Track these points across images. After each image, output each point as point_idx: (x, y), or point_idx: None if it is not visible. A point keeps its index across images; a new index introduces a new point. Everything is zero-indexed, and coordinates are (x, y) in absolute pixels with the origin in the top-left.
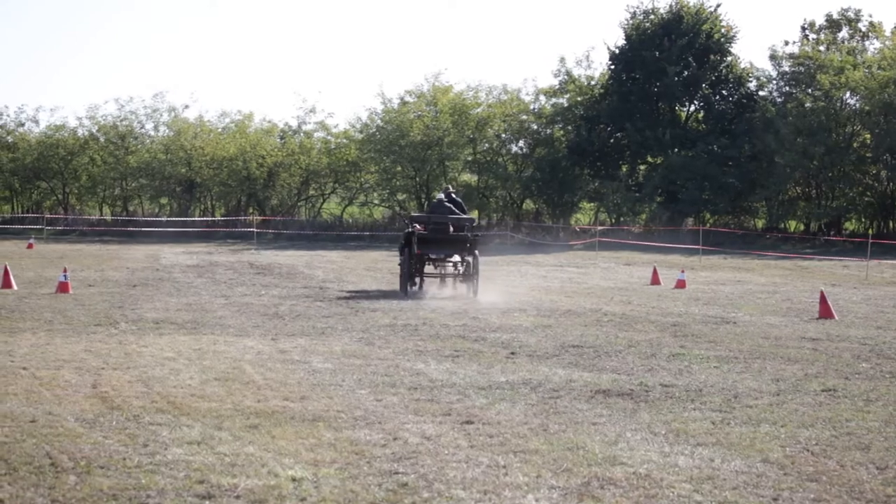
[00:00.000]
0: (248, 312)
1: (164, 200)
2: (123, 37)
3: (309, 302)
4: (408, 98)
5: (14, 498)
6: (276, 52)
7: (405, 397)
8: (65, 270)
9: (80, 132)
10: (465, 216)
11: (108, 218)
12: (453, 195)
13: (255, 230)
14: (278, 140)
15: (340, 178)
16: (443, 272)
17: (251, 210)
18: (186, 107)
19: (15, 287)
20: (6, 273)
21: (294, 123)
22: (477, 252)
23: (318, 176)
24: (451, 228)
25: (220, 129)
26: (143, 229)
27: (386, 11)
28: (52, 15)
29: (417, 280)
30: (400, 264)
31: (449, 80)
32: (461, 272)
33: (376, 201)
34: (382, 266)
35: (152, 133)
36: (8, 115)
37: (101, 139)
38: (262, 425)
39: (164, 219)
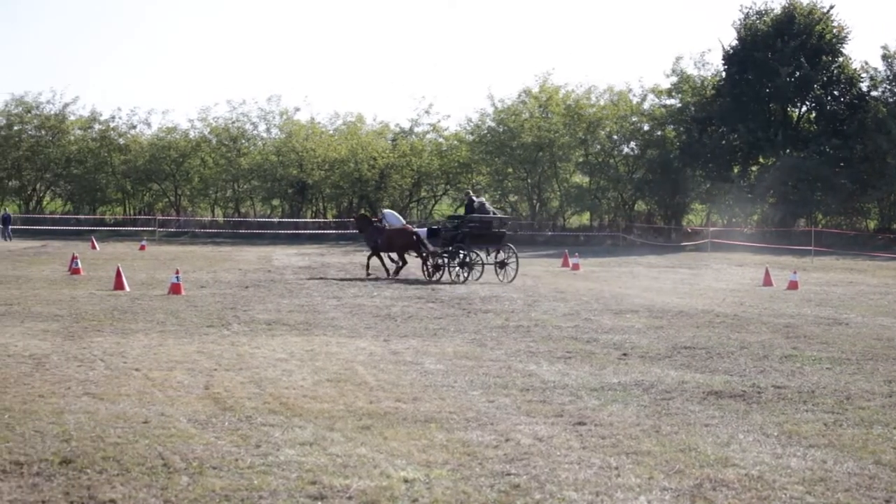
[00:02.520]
0: (361, 314)
1: (275, 202)
2: (236, 39)
3: (421, 303)
4: (519, 99)
5: (127, 498)
6: (387, 54)
7: (517, 398)
8: (177, 272)
9: (191, 134)
10: (506, 216)
11: (220, 219)
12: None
13: None
14: (389, 142)
15: (452, 180)
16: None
17: (363, 211)
18: (298, 109)
19: (127, 289)
20: (118, 275)
21: (406, 125)
22: (511, 245)
23: (429, 177)
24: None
25: (331, 131)
26: (255, 231)
27: (496, 12)
28: (165, 18)
29: (444, 270)
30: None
31: (558, 82)
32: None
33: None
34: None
35: (264, 135)
36: (120, 118)
37: (213, 141)
38: (375, 426)
39: (275, 220)
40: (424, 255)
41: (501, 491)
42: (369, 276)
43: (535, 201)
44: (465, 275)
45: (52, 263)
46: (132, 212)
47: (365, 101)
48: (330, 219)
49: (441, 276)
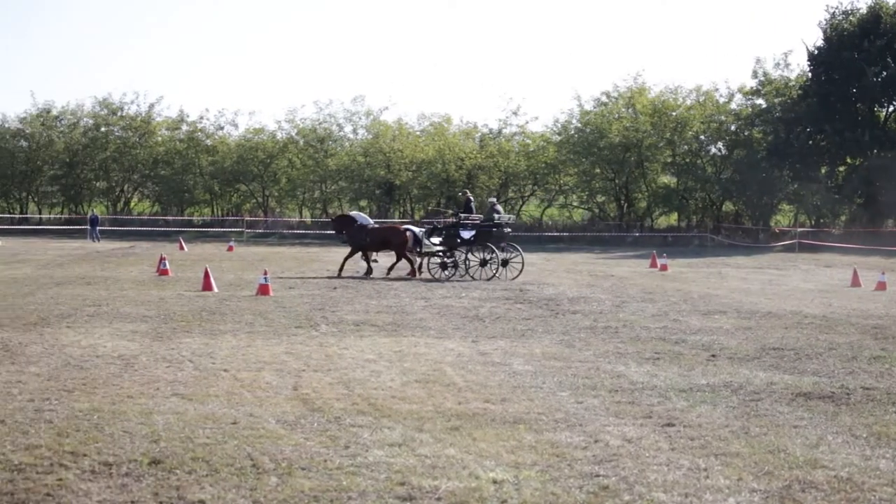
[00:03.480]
0: (449, 315)
1: (363, 203)
2: (322, 40)
3: (509, 304)
4: (605, 100)
5: (216, 499)
6: (474, 54)
7: (606, 399)
8: (265, 273)
9: (279, 135)
10: (509, 217)
11: (308, 220)
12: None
13: None
14: (477, 143)
15: (539, 181)
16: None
17: (450, 212)
18: (385, 109)
19: (215, 289)
20: (207, 276)
21: (494, 126)
22: (515, 245)
23: (517, 178)
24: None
25: (418, 132)
26: None
27: (584, 12)
28: (251, 20)
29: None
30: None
31: (647, 82)
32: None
33: (575, 203)
34: (583, 268)
35: (351, 136)
36: (207, 119)
37: (300, 142)
38: (463, 427)
39: None
40: (422, 253)
41: (590, 492)
42: (368, 275)
43: (622, 202)
44: (494, 272)
45: (141, 265)
46: (220, 213)
47: (452, 102)
48: (417, 219)
49: (453, 275)
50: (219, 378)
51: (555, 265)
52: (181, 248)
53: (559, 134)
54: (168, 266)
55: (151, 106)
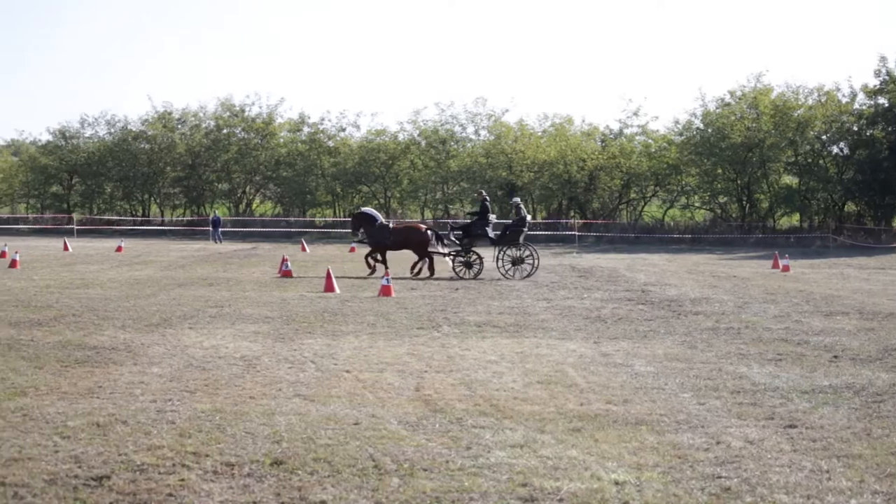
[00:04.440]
0: (571, 316)
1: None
2: (445, 41)
3: (631, 305)
4: (728, 100)
5: (338, 500)
6: (595, 54)
7: (728, 401)
8: (386, 274)
9: (400, 136)
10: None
11: (430, 221)
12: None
13: (576, 233)
14: (598, 143)
15: (661, 181)
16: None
17: (572, 213)
18: (506, 111)
19: (338, 290)
20: (329, 277)
21: (615, 126)
22: (530, 244)
23: (638, 179)
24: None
25: (539, 133)
26: None
27: (706, 13)
28: (371, 22)
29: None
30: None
31: (770, 82)
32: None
33: (697, 204)
34: (705, 269)
35: (472, 137)
36: (329, 121)
37: (422, 143)
38: (585, 428)
39: None
40: (444, 253)
41: (712, 494)
42: (372, 275)
43: (744, 202)
44: (530, 269)
45: (263, 266)
46: (342, 214)
47: (573, 103)
48: (539, 220)
49: (478, 273)
50: (341, 379)
51: (677, 266)
52: (303, 249)
53: (680, 134)
54: (290, 267)
55: (273, 108)
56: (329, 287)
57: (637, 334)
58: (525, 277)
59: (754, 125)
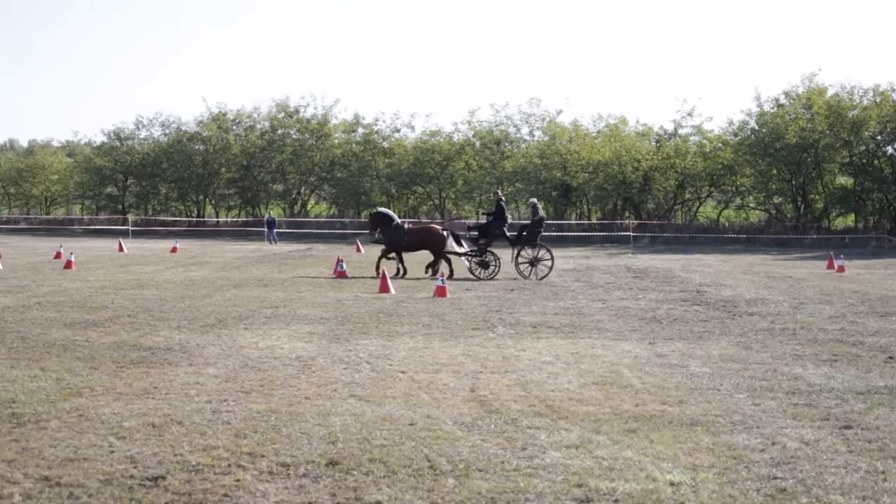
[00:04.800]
0: (626, 316)
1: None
2: (499, 42)
3: (686, 306)
4: (783, 100)
5: (393, 500)
6: (650, 55)
7: (783, 402)
8: (441, 275)
9: (455, 137)
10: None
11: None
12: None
13: (631, 234)
14: (653, 144)
15: (716, 182)
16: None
17: (627, 214)
18: (560, 111)
19: (393, 291)
20: (384, 277)
21: (669, 127)
22: (545, 245)
23: (693, 179)
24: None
25: (594, 134)
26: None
27: (761, 13)
28: (427, 23)
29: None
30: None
31: (824, 82)
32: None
33: (752, 204)
34: (759, 270)
35: (527, 138)
36: (384, 121)
37: (477, 144)
38: (640, 429)
39: None
40: (461, 253)
41: (767, 495)
42: (403, 275)
43: (799, 203)
44: (548, 271)
45: (317, 266)
46: (397, 215)
47: (627, 103)
48: (594, 221)
49: (495, 274)
50: (396, 379)
51: (731, 267)
52: (358, 250)
53: (735, 135)
54: (345, 268)
55: (328, 109)
56: (384, 288)
57: (692, 335)
58: (542, 278)
59: (809, 126)
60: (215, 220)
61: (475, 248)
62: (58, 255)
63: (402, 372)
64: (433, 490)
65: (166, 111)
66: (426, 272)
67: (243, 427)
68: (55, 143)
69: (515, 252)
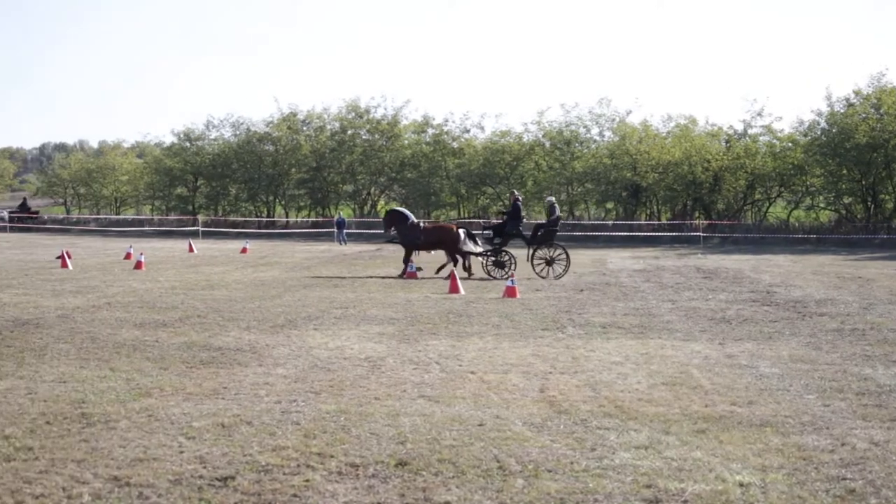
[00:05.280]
0: (695, 317)
1: (609, 205)
2: (568, 43)
3: (756, 306)
4: (853, 100)
5: (462, 500)
6: (719, 55)
7: (853, 402)
8: (512, 275)
9: (525, 138)
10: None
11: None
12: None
13: (701, 234)
14: (723, 144)
15: (786, 182)
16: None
17: (697, 214)
18: (630, 112)
19: (462, 292)
20: (453, 278)
21: (739, 127)
22: (561, 244)
23: (763, 179)
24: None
25: (664, 134)
26: (589, 234)
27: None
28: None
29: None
30: (487, 254)
31: (892, 81)
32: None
33: (822, 204)
34: (829, 270)
35: (597, 138)
36: (453, 122)
37: (546, 144)
38: (710, 430)
39: (609, 223)
40: (477, 252)
41: (837, 496)
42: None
43: (869, 203)
44: (563, 271)
45: (387, 267)
46: (466, 215)
47: (697, 104)
48: (664, 221)
49: (509, 273)
50: (465, 380)
51: (801, 267)
52: (428, 251)
53: (805, 135)
54: (414, 269)
55: (398, 110)
56: (454, 288)
57: (762, 335)
58: (557, 278)
59: (878, 125)
60: (285, 220)
61: (490, 249)
62: (128, 256)
63: (472, 372)
64: (502, 490)
65: (237, 112)
66: (437, 272)
67: (313, 427)
68: (125, 144)
69: (531, 251)
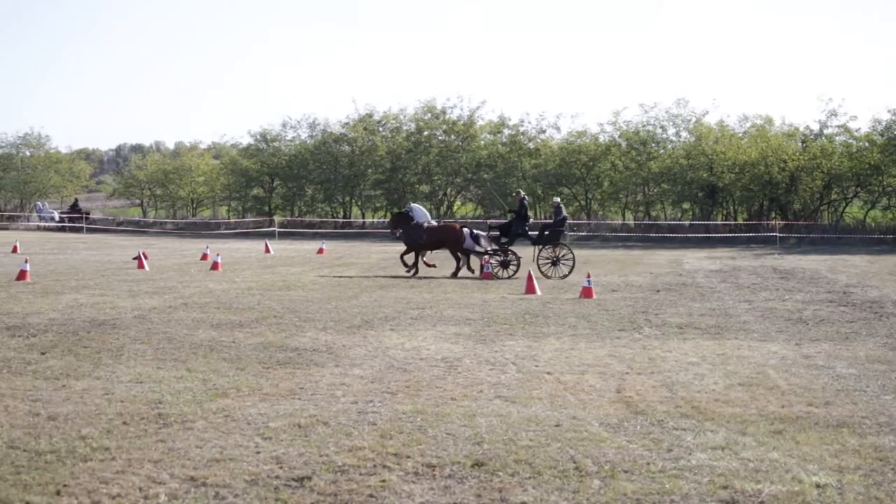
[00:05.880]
0: (772, 317)
1: (685, 205)
2: (645, 43)
3: (832, 307)
4: None
5: (538, 501)
6: (795, 56)
7: None
8: (588, 276)
9: (601, 138)
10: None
11: (631, 223)
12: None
13: (777, 234)
14: (799, 144)
15: (863, 182)
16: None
17: (773, 215)
18: (707, 112)
19: (538, 292)
20: (530, 278)
21: (815, 127)
22: (566, 244)
23: (839, 179)
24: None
25: (740, 134)
26: (666, 234)
27: None
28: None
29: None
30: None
31: None
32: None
33: None
34: None
35: (673, 138)
36: (529, 123)
37: (623, 145)
38: (787, 431)
39: (686, 223)
40: (482, 252)
41: None
42: (414, 274)
43: None
44: (568, 271)
45: (463, 268)
46: (543, 216)
47: (773, 104)
48: (740, 221)
49: (514, 273)
50: (542, 381)
51: (878, 267)
52: None
53: (882, 134)
54: (491, 269)
55: (474, 111)
56: (530, 289)
57: (838, 336)
58: (563, 277)
59: None
60: (361, 221)
61: (496, 248)
62: (204, 257)
63: (548, 373)
64: (578, 491)
65: (313, 113)
66: (454, 274)
67: (389, 428)
68: (202, 146)
69: (537, 251)
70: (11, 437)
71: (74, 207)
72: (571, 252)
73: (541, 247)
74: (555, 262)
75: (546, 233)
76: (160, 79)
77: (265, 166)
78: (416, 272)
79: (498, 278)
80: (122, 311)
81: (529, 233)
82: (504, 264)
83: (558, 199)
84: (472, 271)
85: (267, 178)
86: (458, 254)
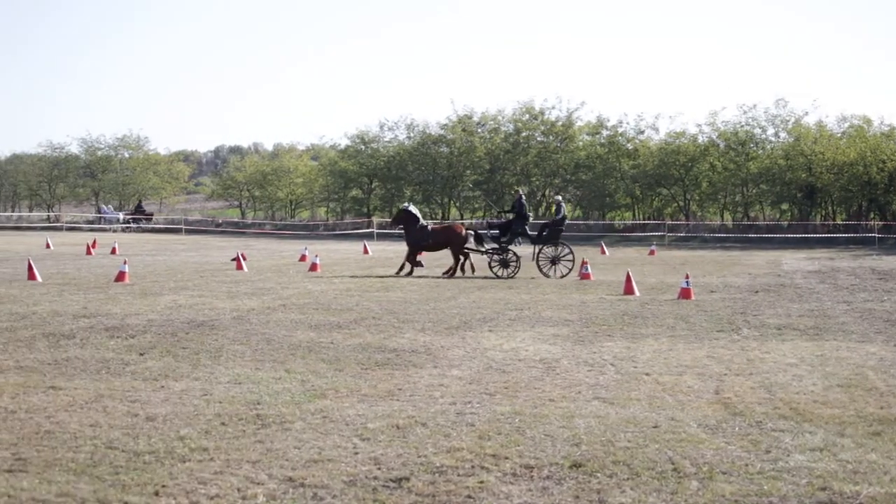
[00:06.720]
0: (871, 318)
1: (784, 206)
2: (743, 43)
3: None
4: None
5: (636, 502)
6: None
7: None
8: (686, 276)
9: (700, 139)
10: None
11: (730, 224)
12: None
13: (876, 235)
14: None
15: None
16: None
17: (872, 215)
18: (806, 113)
19: (637, 293)
20: (628, 279)
21: None
22: (566, 243)
23: None
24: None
25: (839, 135)
26: (764, 235)
27: None
28: (669, 25)
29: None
30: (495, 252)
31: None
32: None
33: None
34: None
35: (772, 139)
36: (627, 123)
37: (721, 145)
38: (885, 432)
39: (784, 224)
40: (482, 251)
41: None
42: (410, 274)
43: None
44: (569, 270)
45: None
46: (641, 217)
47: (873, 104)
48: (839, 222)
49: (515, 273)
50: (640, 382)
51: None
52: (602, 252)
53: None
54: (590, 270)
55: (572, 112)
56: (628, 290)
57: None
58: (563, 276)
59: None
60: (460, 221)
61: (496, 247)
62: (303, 258)
63: (647, 374)
64: (676, 493)
65: (410, 114)
66: (467, 271)
67: (487, 429)
68: (300, 147)
69: (536, 250)
70: (110, 437)
71: (139, 209)
72: (571, 251)
73: (540, 246)
74: (554, 261)
75: (545, 232)
76: (259, 80)
77: (363, 167)
78: (411, 272)
79: (498, 277)
80: (220, 312)
81: (529, 232)
82: (504, 263)
83: (559, 198)
84: (473, 271)
85: (365, 180)
86: (459, 255)
